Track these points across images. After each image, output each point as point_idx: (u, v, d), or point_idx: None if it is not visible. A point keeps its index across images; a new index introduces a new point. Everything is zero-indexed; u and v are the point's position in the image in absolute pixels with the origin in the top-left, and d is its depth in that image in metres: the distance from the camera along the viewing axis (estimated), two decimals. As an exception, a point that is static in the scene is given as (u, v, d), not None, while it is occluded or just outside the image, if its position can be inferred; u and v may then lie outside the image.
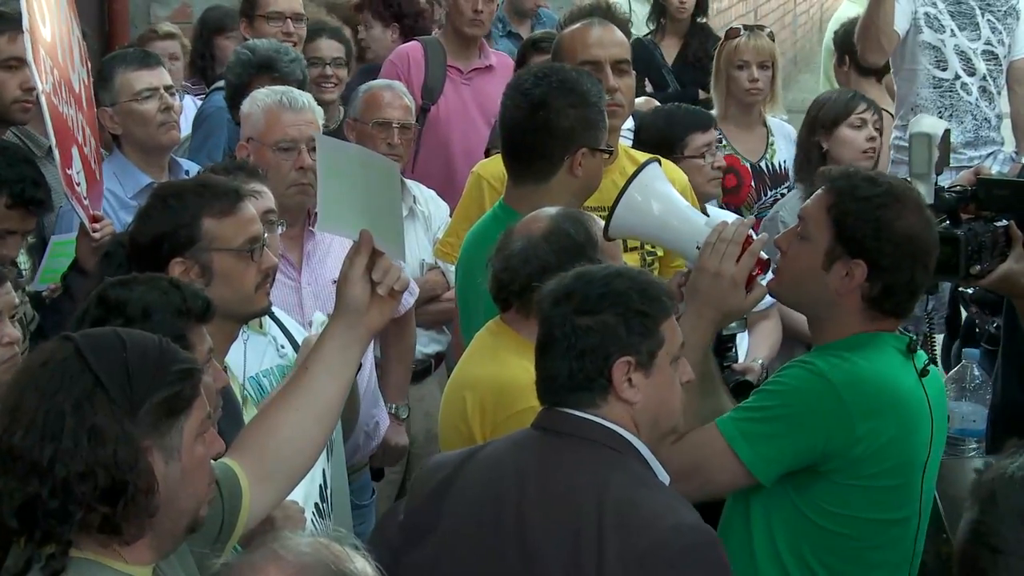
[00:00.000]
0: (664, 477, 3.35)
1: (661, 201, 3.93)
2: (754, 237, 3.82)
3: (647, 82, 8.37)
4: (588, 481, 3.23)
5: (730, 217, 4.21)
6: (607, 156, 4.71)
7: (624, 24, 6.43)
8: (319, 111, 5.40)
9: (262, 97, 5.38)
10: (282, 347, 4.50)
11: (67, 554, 2.73)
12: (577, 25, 5.44)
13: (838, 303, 3.73)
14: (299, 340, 4.52)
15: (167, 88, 5.71)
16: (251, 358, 4.36)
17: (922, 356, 3.77)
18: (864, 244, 3.69)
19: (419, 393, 6.00)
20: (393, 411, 5.75)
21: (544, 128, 4.60)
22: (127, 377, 2.77)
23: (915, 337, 3.78)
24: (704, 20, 7.69)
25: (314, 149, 5.14)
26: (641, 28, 9.09)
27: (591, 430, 3.29)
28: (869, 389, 3.65)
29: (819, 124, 6.16)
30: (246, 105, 5.44)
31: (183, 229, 3.96)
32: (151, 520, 2.77)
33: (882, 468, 3.67)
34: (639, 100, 7.45)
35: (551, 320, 3.33)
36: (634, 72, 5.40)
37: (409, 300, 5.61)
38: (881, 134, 6.31)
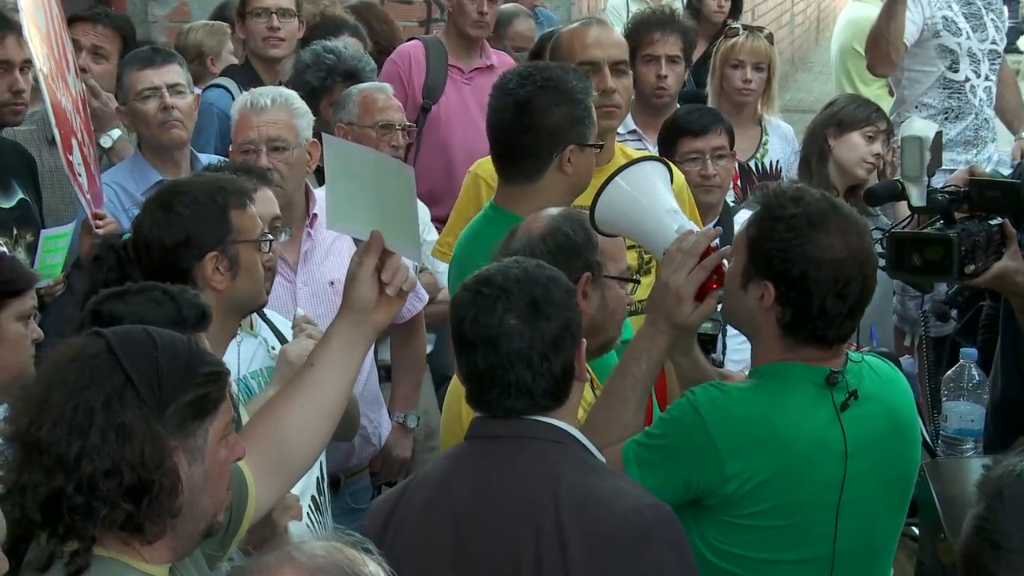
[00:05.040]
0: (603, 460, 3.37)
1: (639, 202, 3.92)
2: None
3: None
4: (540, 475, 3.24)
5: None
6: (597, 150, 4.68)
7: (688, 31, 6.48)
8: (297, 108, 5.39)
9: (239, 100, 5.44)
10: (272, 348, 4.51)
11: (90, 551, 2.75)
12: (575, 25, 5.42)
13: (759, 326, 3.62)
14: (289, 339, 4.52)
15: (171, 86, 5.70)
16: (241, 360, 4.38)
17: (843, 389, 3.57)
18: (772, 266, 3.55)
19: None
20: (401, 420, 5.73)
21: (530, 128, 4.58)
22: (157, 377, 2.79)
23: (834, 371, 3.57)
24: (735, 23, 7.69)
25: (276, 149, 5.22)
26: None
27: (532, 428, 3.29)
28: (740, 427, 3.53)
29: (834, 122, 6.15)
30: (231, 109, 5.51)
31: (215, 223, 3.98)
32: (173, 520, 2.80)
33: (765, 507, 3.53)
34: None
35: (509, 335, 3.27)
36: (631, 72, 5.41)
37: (418, 305, 5.63)
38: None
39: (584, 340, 3.37)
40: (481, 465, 3.32)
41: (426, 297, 5.71)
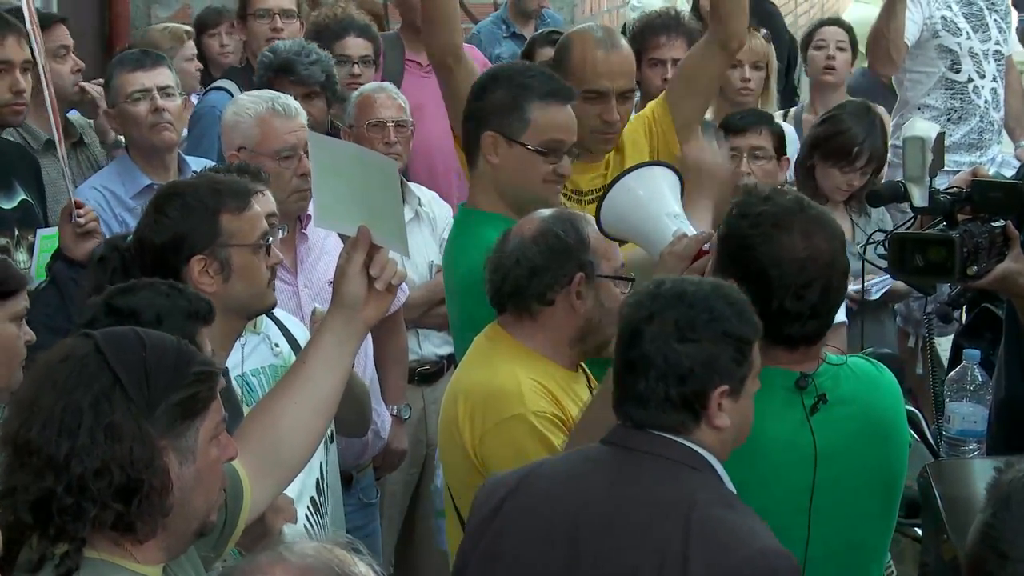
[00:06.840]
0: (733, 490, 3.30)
1: (642, 203, 3.88)
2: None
3: None
4: (674, 497, 3.17)
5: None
6: (544, 155, 4.46)
7: (693, 33, 6.44)
8: (303, 113, 5.37)
9: (250, 104, 5.33)
10: (276, 345, 4.50)
11: (81, 552, 2.75)
12: (586, 37, 5.10)
13: None
14: (298, 337, 4.52)
15: (162, 88, 5.66)
16: (243, 357, 4.37)
17: (812, 393, 3.53)
18: (735, 263, 3.53)
19: (434, 395, 5.94)
20: (395, 412, 5.73)
21: (467, 112, 4.57)
22: (146, 376, 2.79)
23: (804, 374, 3.52)
24: None
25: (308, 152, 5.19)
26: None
27: (671, 448, 3.21)
28: None
29: (819, 146, 6.19)
30: (230, 113, 5.38)
31: (204, 226, 3.98)
32: (164, 520, 2.80)
33: None
34: None
35: (643, 338, 3.21)
36: (636, 93, 5.29)
37: (400, 297, 5.58)
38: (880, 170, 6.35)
39: (737, 392, 3.25)
40: (613, 472, 3.25)
41: (407, 290, 5.66)
